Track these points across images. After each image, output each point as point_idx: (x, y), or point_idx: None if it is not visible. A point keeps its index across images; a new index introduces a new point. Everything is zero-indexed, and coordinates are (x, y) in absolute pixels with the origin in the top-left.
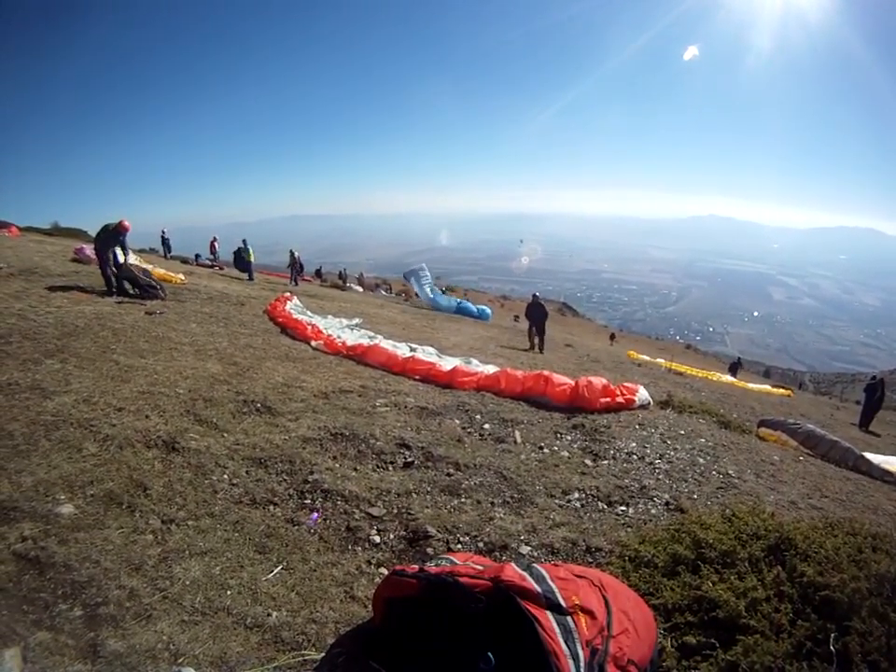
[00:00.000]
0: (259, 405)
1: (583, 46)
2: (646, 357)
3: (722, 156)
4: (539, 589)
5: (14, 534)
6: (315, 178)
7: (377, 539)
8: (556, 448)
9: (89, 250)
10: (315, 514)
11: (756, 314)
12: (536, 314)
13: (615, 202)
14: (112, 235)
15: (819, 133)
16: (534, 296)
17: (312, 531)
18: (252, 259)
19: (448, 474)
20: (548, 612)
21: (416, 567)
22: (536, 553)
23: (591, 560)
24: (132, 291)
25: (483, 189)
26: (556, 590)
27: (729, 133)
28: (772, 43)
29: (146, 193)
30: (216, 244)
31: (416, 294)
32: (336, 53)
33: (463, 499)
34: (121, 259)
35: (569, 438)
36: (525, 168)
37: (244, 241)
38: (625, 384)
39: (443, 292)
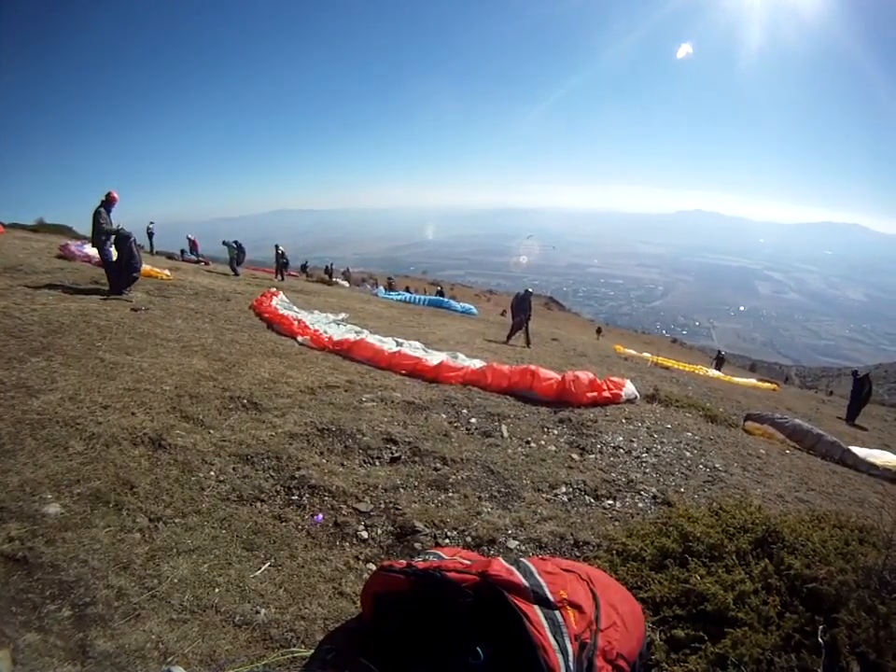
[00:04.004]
0: (245, 401)
1: (575, 42)
2: (632, 352)
3: (709, 152)
4: (526, 583)
5: (1, 535)
6: (301, 173)
7: (365, 534)
8: (543, 442)
9: (74, 247)
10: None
11: (742, 308)
12: (520, 308)
13: (602, 196)
14: (97, 219)
15: (807, 129)
16: (526, 291)
17: (299, 527)
18: (233, 255)
19: (435, 469)
20: (536, 607)
21: (404, 562)
22: (523, 548)
23: (578, 554)
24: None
25: (471, 183)
26: (544, 584)
27: (716, 129)
28: (762, 40)
29: (130, 189)
30: (196, 242)
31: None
32: (324, 48)
33: (450, 494)
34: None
35: (556, 432)
36: (513, 163)
37: (222, 241)
38: (612, 378)
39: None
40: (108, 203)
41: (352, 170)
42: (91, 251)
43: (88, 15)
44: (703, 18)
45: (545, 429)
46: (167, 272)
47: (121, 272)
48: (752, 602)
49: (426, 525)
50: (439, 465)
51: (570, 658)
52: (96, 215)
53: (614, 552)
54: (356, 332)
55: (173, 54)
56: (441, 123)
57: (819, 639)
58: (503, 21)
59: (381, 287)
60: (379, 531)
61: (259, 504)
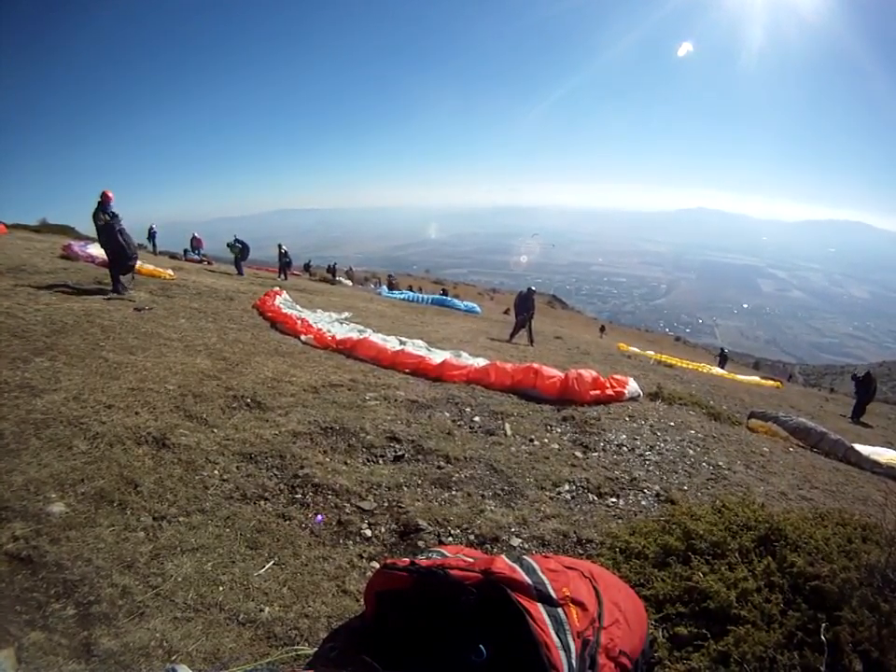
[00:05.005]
0: (248, 400)
1: (574, 42)
2: (636, 350)
3: (711, 149)
4: (529, 581)
5: (6, 534)
6: (303, 173)
7: (368, 532)
8: (547, 440)
9: (77, 247)
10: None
11: (745, 306)
12: (523, 306)
13: (603, 194)
14: (96, 220)
15: (809, 126)
16: (529, 289)
17: (303, 526)
18: (237, 255)
19: (439, 467)
20: (539, 604)
21: (407, 560)
22: (527, 546)
23: (582, 552)
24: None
25: (471, 182)
26: (547, 581)
27: (717, 127)
28: (764, 37)
29: (133, 189)
30: (201, 240)
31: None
32: (325, 48)
33: (454, 492)
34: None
35: (559, 430)
36: (514, 162)
37: (227, 244)
38: (615, 376)
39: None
40: (104, 202)
41: (353, 169)
42: (95, 251)
43: (87, 14)
44: (703, 16)
45: (548, 427)
46: (170, 271)
47: (117, 261)
48: (755, 600)
49: (429, 524)
50: (442, 463)
51: (573, 655)
52: (94, 216)
53: (617, 549)
54: (359, 331)
55: (173, 53)
56: (440, 122)
57: (822, 637)
58: (503, 20)
59: (384, 286)
60: (382, 529)
61: (262, 503)
